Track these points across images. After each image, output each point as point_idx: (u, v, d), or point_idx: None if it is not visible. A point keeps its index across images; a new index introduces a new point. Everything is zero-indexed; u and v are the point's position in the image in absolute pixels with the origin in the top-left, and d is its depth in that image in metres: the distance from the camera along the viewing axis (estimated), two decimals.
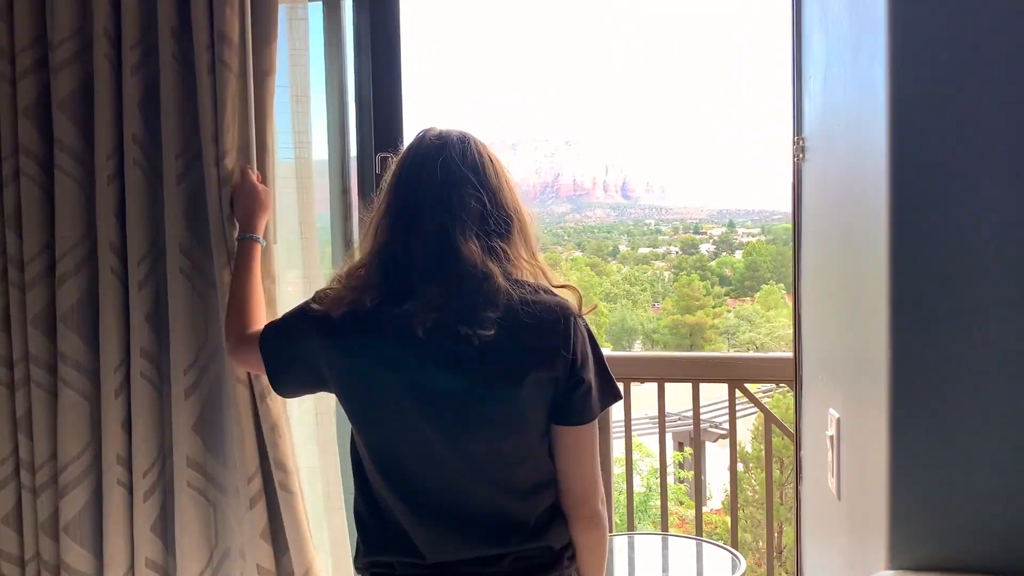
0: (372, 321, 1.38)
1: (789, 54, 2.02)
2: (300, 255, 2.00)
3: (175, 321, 1.97)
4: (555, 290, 1.46)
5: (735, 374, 3.53)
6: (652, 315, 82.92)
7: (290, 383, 1.58)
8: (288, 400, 1.91)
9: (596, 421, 1.46)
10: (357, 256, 1.49)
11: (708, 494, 20.52)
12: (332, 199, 2.26)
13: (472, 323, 1.35)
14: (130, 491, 2.03)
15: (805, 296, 2.03)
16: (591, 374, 1.42)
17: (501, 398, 1.38)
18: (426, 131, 1.48)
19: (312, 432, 2.07)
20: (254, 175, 1.90)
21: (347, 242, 2.24)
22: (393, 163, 1.50)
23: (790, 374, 3.68)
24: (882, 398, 1.23)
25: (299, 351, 1.48)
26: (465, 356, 1.36)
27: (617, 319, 67.69)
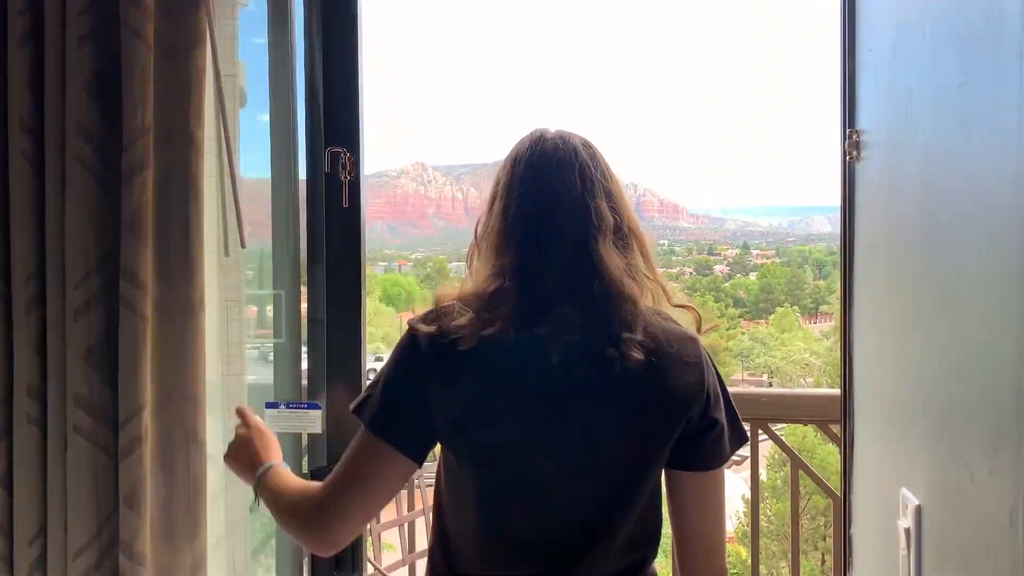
0: (504, 351, 1.19)
1: (838, 25, 1.62)
2: (217, 276, 1.60)
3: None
4: (675, 311, 1.32)
5: (761, 412, 3.13)
6: None
7: (421, 448, 1.28)
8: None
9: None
10: (477, 269, 1.29)
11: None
12: (276, 209, 1.87)
13: (616, 346, 1.19)
14: None
15: (860, 323, 1.61)
16: (722, 414, 1.29)
17: (638, 435, 1.22)
18: (542, 132, 1.32)
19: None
20: (251, 418, 1.49)
21: (294, 260, 1.86)
22: (508, 164, 1.31)
23: (823, 413, 3.28)
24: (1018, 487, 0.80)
25: (416, 408, 1.23)
26: (605, 384, 1.20)
27: None
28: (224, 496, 1.63)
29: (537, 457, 1.22)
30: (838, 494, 3.66)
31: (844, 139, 1.61)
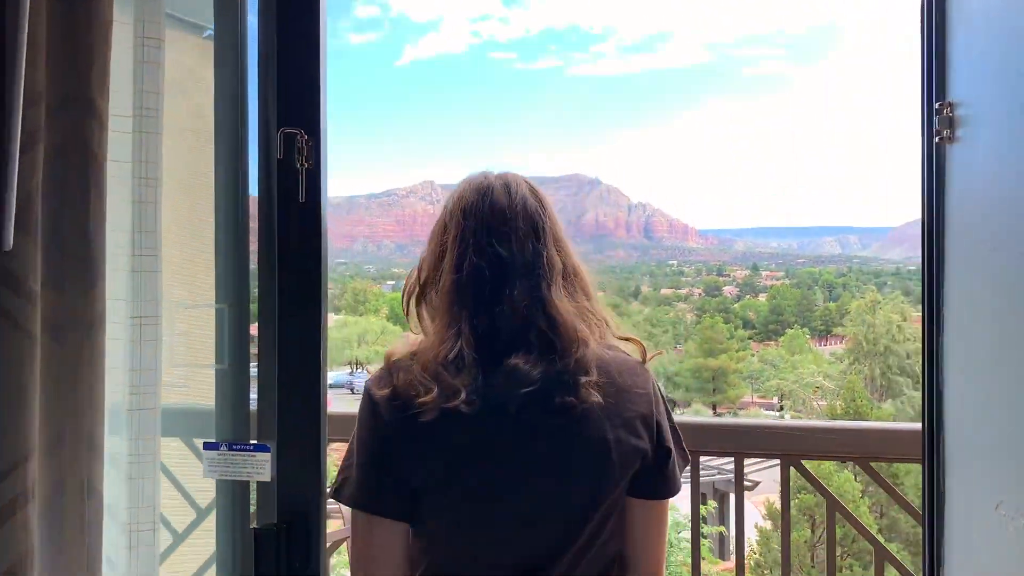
0: (466, 419, 1.26)
1: None
2: (128, 285, 1.26)
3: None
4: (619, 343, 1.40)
5: (794, 446, 2.80)
6: (674, 357, 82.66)
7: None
8: None
9: None
10: (432, 326, 1.34)
11: (731, 549, 19.57)
12: (217, 204, 1.52)
13: (572, 391, 1.26)
14: None
15: (953, 350, 1.24)
16: (670, 441, 1.36)
17: (602, 473, 1.29)
18: (487, 179, 1.39)
19: None
20: None
21: (241, 270, 1.52)
22: (456, 213, 1.37)
23: (865, 449, 2.91)
24: None
25: (396, 477, 1.32)
26: (567, 428, 1.27)
27: None
28: (128, 560, 1.28)
29: (505, 508, 1.29)
30: (880, 541, 3.27)
31: (928, 115, 1.26)
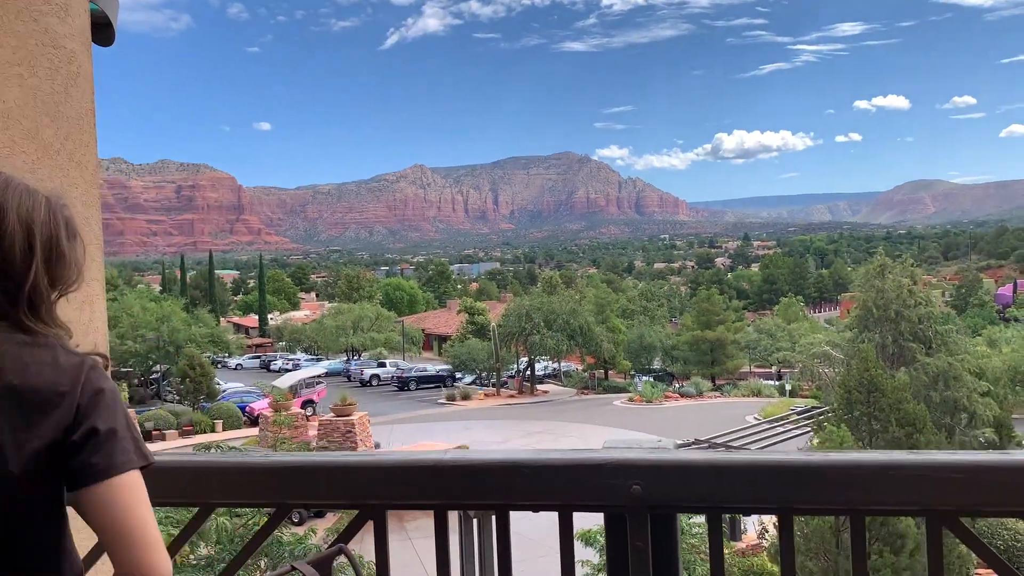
0: None
1: None
2: None
3: None
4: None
5: (951, 498, 1.71)
6: (671, 331, 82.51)
7: None
8: None
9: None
10: None
11: (743, 528, 19.28)
12: None
13: None
14: None
15: None
16: (102, 434, 1.35)
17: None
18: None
19: None
20: None
21: None
22: None
23: None
24: None
25: None
26: None
27: (635, 336, 67.11)
28: None
29: None
30: None
31: None
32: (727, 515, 11.66)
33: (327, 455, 2.02)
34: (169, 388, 49.50)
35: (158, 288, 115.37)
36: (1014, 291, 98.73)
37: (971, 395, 16.96)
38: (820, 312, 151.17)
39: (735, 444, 18.51)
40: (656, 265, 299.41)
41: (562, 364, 66.93)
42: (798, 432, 19.28)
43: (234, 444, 31.20)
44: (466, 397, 51.81)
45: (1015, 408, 25.70)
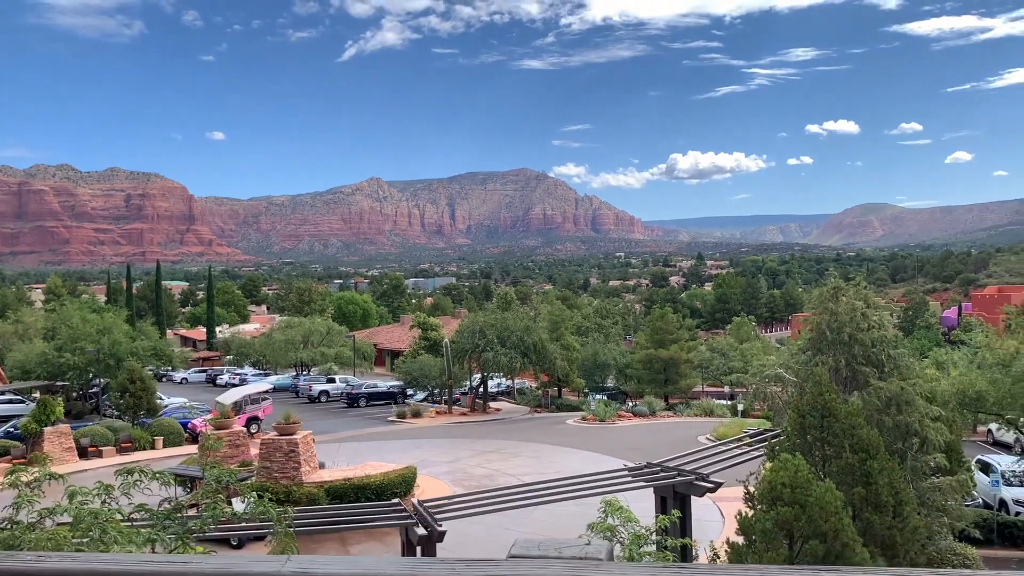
0: None
1: None
2: None
3: None
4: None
5: None
6: (625, 349, 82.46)
7: None
8: None
9: None
10: None
11: (694, 554, 18.85)
12: None
13: None
14: None
15: None
16: None
17: None
18: None
19: None
20: None
21: None
22: None
23: None
24: None
25: None
26: None
27: (590, 354, 66.83)
28: None
29: None
30: None
31: None
32: (679, 539, 10.98)
33: (147, 561, 1.48)
34: (109, 403, 47.76)
35: (103, 299, 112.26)
36: (959, 314, 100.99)
37: (923, 420, 16.82)
38: (772, 331, 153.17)
39: (687, 468, 18.11)
40: (611, 282, 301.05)
41: (516, 381, 66.34)
42: (751, 456, 18.97)
43: (172, 463, 29.99)
44: (417, 415, 50.90)
45: (963, 430, 25.84)
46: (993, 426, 37.63)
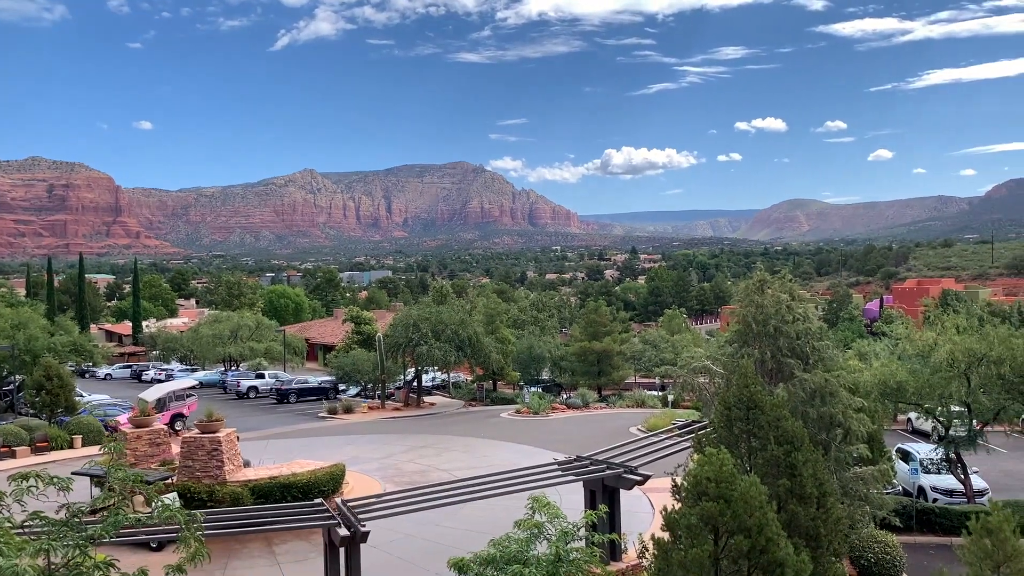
0: None
1: None
2: None
3: None
4: None
5: None
6: (560, 341, 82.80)
7: None
8: None
9: None
10: None
11: (623, 547, 18.87)
12: None
13: None
14: None
15: None
16: None
17: None
18: None
19: None
20: None
21: None
22: None
23: None
24: None
25: None
26: None
27: (525, 346, 66.88)
28: None
29: None
30: None
31: None
32: (607, 535, 10.87)
33: None
34: (24, 400, 45.79)
35: (23, 292, 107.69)
36: (881, 306, 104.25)
37: (846, 411, 17.09)
38: (702, 324, 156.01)
39: (616, 460, 18.07)
40: (548, 276, 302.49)
41: (452, 375, 65.91)
42: (680, 448, 19.04)
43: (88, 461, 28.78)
44: (349, 410, 50.10)
45: (885, 421, 26.48)
46: (912, 415, 38.83)
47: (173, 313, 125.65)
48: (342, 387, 59.77)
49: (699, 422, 21.68)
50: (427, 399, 56.07)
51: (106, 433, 40.31)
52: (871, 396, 22.61)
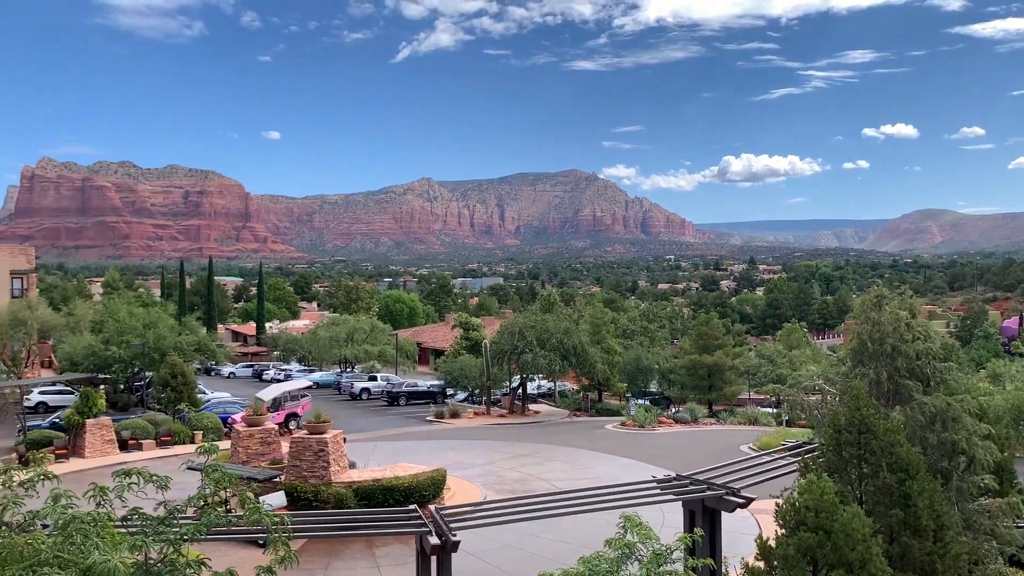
0: None
1: None
2: None
3: None
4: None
5: None
6: (670, 353, 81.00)
7: None
8: None
9: None
10: None
11: (725, 573, 18.09)
12: None
13: None
14: None
15: None
16: None
17: None
18: None
19: None
20: None
21: None
22: None
23: None
24: None
25: None
26: None
27: (632, 357, 65.86)
28: None
29: None
30: None
31: None
32: (704, 559, 10.23)
33: None
34: (152, 396, 48.51)
35: (158, 293, 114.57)
36: (1020, 324, 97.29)
37: (971, 437, 15.85)
38: (824, 339, 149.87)
39: (717, 481, 17.40)
40: (660, 286, 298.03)
41: (557, 384, 65.67)
42: (787, 471, 18.15)
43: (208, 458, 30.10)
44: (455, 415, 50.64)
45: (1017, 447, 24.50)
46: None
47: (295, 315, 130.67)
48: (450, 392, 60.51)
49: (810, 443, 20.65)
50: (532, 407, 56.05)
51: (224, 430, 42.15)
52: (1002, 422, 20.95)
